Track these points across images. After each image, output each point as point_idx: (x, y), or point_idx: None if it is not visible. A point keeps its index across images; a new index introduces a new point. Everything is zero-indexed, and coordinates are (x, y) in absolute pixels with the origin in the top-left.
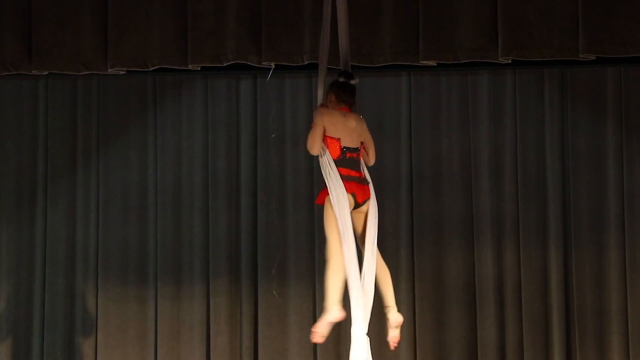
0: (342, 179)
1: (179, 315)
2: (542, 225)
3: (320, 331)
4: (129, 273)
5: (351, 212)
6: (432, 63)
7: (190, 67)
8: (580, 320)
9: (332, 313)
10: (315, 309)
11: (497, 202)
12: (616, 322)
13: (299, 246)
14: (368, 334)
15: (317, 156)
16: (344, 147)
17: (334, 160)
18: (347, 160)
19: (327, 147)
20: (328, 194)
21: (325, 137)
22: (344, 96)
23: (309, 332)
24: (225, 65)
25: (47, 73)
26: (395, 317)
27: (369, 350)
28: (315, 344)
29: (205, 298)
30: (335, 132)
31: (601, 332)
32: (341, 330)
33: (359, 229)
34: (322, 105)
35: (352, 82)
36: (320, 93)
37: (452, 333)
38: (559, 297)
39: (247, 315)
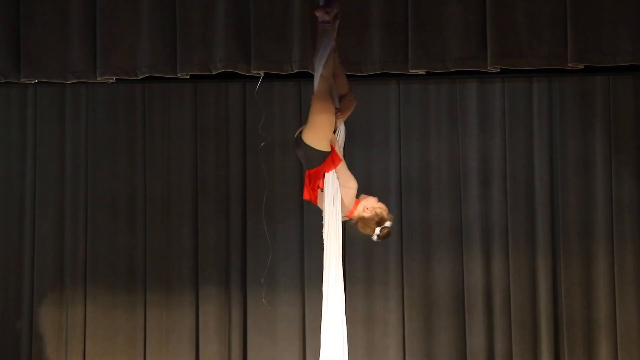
0: None
1: (168, 323)
2: (531, 234)
3: None
4: (117, 281)
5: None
6: (421, 72)
7: (179, 75)
8: (569, 329)
9: None
10: (305, 317)
11: (486, 211)
12: (605, 330)
13: (288, 254)
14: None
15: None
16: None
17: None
18: None
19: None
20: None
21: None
22: None
23: (298, 340)
24: (214, 73)
25: (35, 81)
26: None
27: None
28: (304, 351)
29: (194, 306)
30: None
31: (590, 340)
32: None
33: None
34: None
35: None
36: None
37: (441, 341)
38: (548, 305)
39: (237, 323)
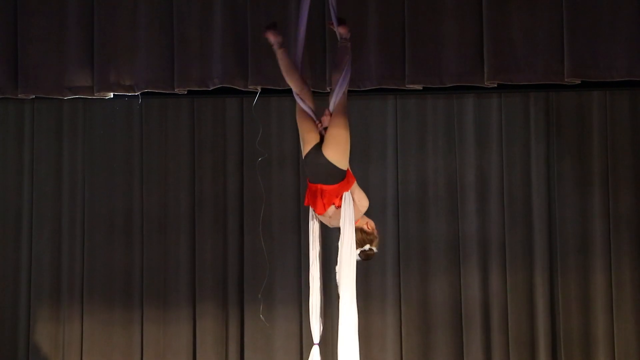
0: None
1: (165, 339)
2: (528, 249)
3: None
4: (114, 297)
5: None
6: (418, 87)
7: (176, 91)
8: (567, 344)
9: None
10: (302, 333)
11: (483, 226)
12: (603, 345)
13: (285, 270)
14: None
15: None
16: None
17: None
18: None
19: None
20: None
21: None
22: None
23: (295, 356)
24: (211, 89)
25: (33, 97)
26: None
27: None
28: None
29: (192, 322)
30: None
31: (588, 356)
32: (327, 352)
33: None
34: None
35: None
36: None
37: (438, 357)
38: (546, 320)
39: (234, 339)
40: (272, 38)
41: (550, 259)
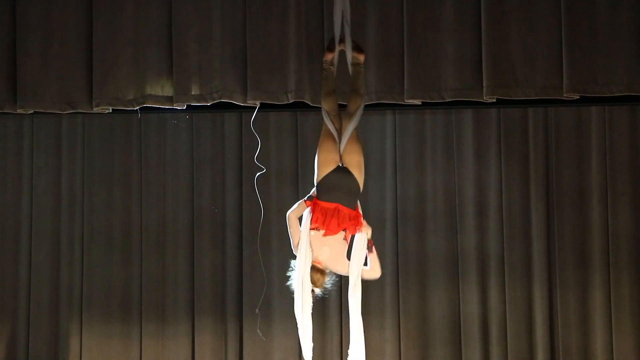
0: None
1: (164, 353)
2: (527, 264)
3: None
4: (113, 312)
5: None
6: (417, 102)
7: (175, 105)
8: (566, 359)
9: None
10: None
11: (482, 241)
12: None
13: (283, 284)
14: None
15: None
16: None
17: None
18: None
19: None
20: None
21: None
22: None
23: None
24: (210, 104)
25: (32, 112)
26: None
27: None
28: None
29: (190, 336)
30: None
31: None
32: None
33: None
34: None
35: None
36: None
37: None
38: (544, 335)
39: (232, 354)
40: (330, 56)
41: (549, 274)
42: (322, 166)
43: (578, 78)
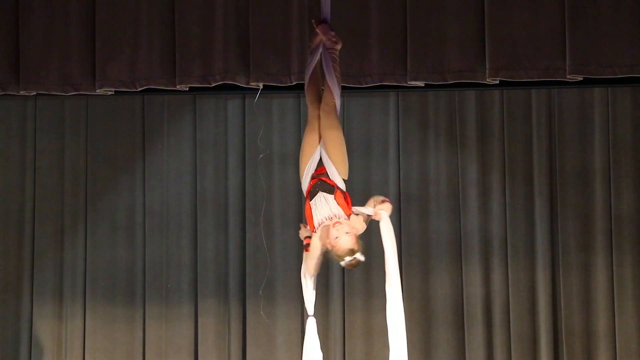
0: None
1: (167, 335)
2: (530, 246)
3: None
4: (116, 294)
5: None
6: (420, 84)
7: (178, 87)
8: (569, 341)
9: None
10: (303, 329)
11: (485, 223)
12: (604, 342)
13: (286, 266)
14: None
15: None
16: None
17: None
18: None
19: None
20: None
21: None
22: None
23: (297, 353)
24: (213, 85)
25: (35, 94)
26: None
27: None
28: None
29: (193, 319)
30: None
31: (589, 352)
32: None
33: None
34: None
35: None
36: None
37: (440, 354)
38: (547, 317)
39: (235, 336)
40: (322, 36)
41: (552, 256)
42: (303, 156)
43: (581, 59)
